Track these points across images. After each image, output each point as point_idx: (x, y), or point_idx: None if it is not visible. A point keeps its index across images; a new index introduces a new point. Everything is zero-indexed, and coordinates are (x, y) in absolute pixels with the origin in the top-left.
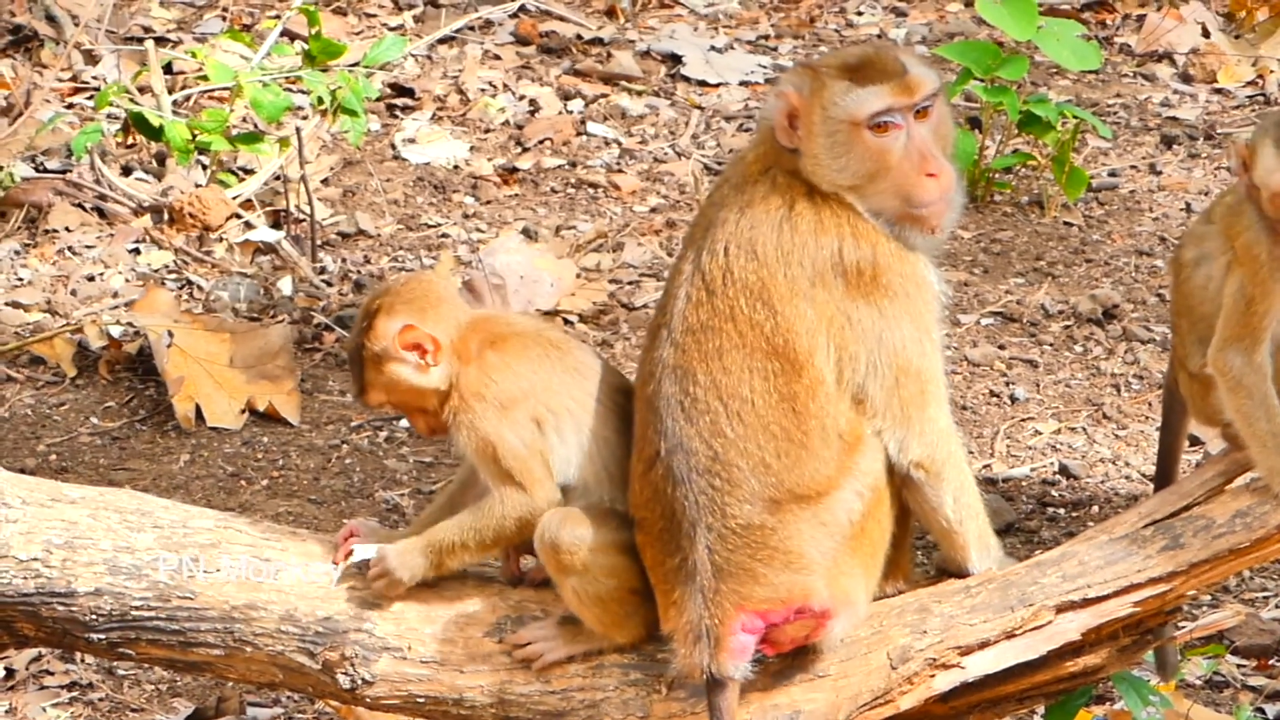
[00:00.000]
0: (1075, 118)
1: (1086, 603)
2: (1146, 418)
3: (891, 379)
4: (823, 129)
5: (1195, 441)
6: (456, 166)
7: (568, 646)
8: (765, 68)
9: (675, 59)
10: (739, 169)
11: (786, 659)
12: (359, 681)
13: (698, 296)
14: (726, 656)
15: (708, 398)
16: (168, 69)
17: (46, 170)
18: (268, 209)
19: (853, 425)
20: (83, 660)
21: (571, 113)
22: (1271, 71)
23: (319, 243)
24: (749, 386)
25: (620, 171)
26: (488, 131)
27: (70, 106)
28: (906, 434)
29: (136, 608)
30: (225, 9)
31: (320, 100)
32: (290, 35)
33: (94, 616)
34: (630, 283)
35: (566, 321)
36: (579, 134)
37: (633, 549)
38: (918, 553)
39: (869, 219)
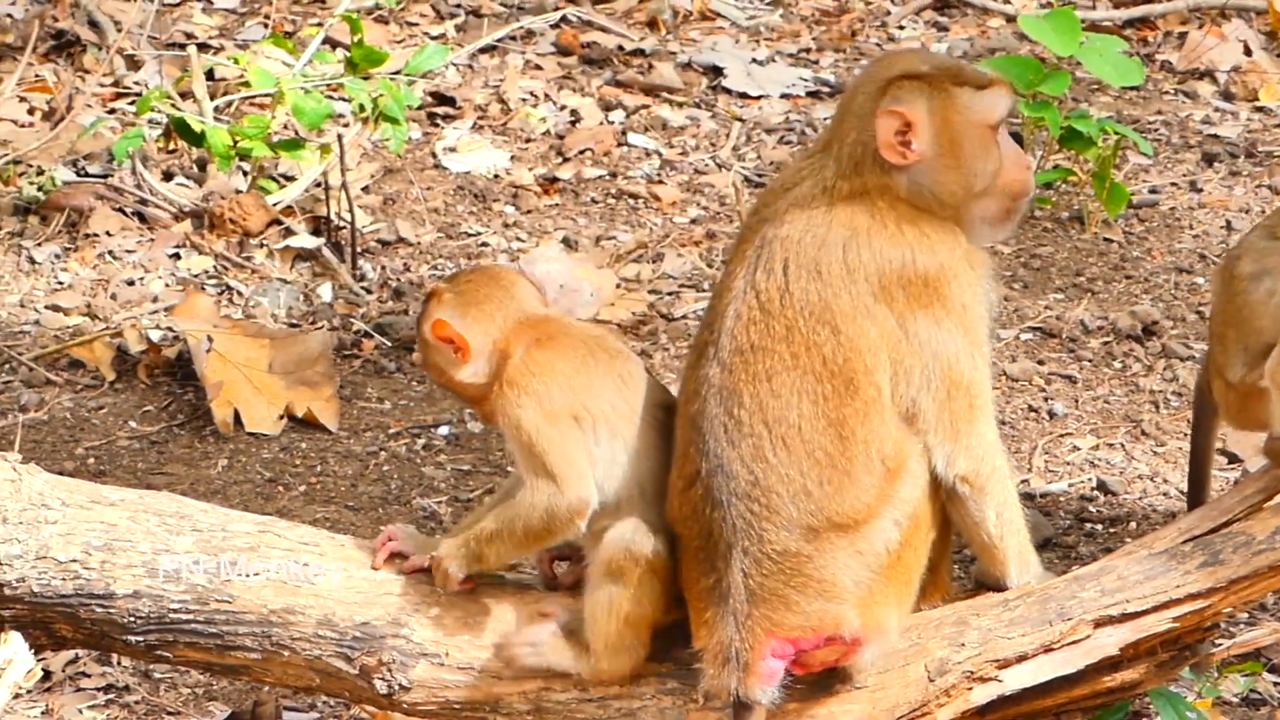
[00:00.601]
0: (1117, 134)
1: (1125, 618)
2: (1185, 434)
3: (944, 392)
4: (963, 135)
5: (1234, 460)
6: (497, 175)
7: (550, 656)
8: (806, 80)
9: (716, 71)
10: (813, 185)
11: (812, 678)
12: (396, 687)
13: (750, 316)
14: (755, 681)
15: (752, 421)
16: (209, 75)
17: (88, 174)
18: (308, 216)
19: (898, 448)
20: (119, 662)
21: (613, 123)
22: None
23: (359, 250)
24: (797, 411)
25: (661, 182)
26: (528, 141)
27: (112, 111)
28: (954, 448)
29: (174, 610)
30: (267, 16)
31: (362, 108)
32: (332, 43)
33: (132, 618)
34: (670, 293)
35: None
36: (620, 144)
37: (670, 578)
38: (955, 566)
39: (953, 226)
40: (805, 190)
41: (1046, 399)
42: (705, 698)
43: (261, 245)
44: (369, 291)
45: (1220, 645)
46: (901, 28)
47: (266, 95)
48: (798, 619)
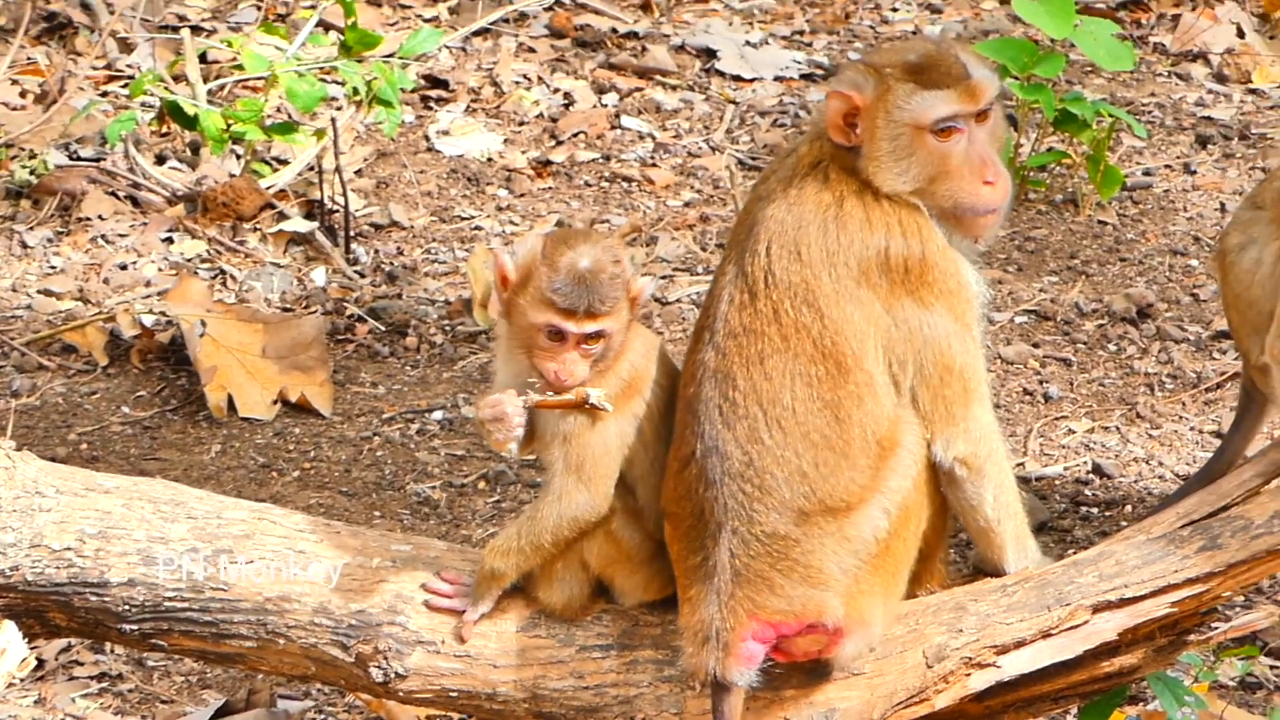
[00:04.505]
0: (1111, 116)
1: (1123, 603)
2: (1180, 417)
3: (936, 377)
4: (886, 132)
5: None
6: (490, 159)
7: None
8: (800, 63)
9: (710, 53)
10: (788, 163)
11: (810, 664)
12: (392, 675)
13: (740, 299)
14: (733, 662)
15: (747, 403)
16: (202, 58)
17: (80, 158)
18: (301, 199)
19: (892, 432)
20: (112, 651)
21: (606, 106)
22: None
23: (352, 234)
24: (791, 393)
25: (654, 165)
26: (522, 124)
27: (104, 95)
28: (951, 431)
29: (169, 599)
30: None
31: (355, 91)
32: (325, 26)
33: (127, 607)
34: (664, 277)
35: None
36: (613, 127)
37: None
38: (952, 551)
39: (924, 213)
40: (786, 170)
41: (1041, 382)
42: (683, 676)
43: (255, 229)
44: (362, 275)
45: (1217, 629)
46: (895, 10)
47: (260, 79)
48: (781, 602)
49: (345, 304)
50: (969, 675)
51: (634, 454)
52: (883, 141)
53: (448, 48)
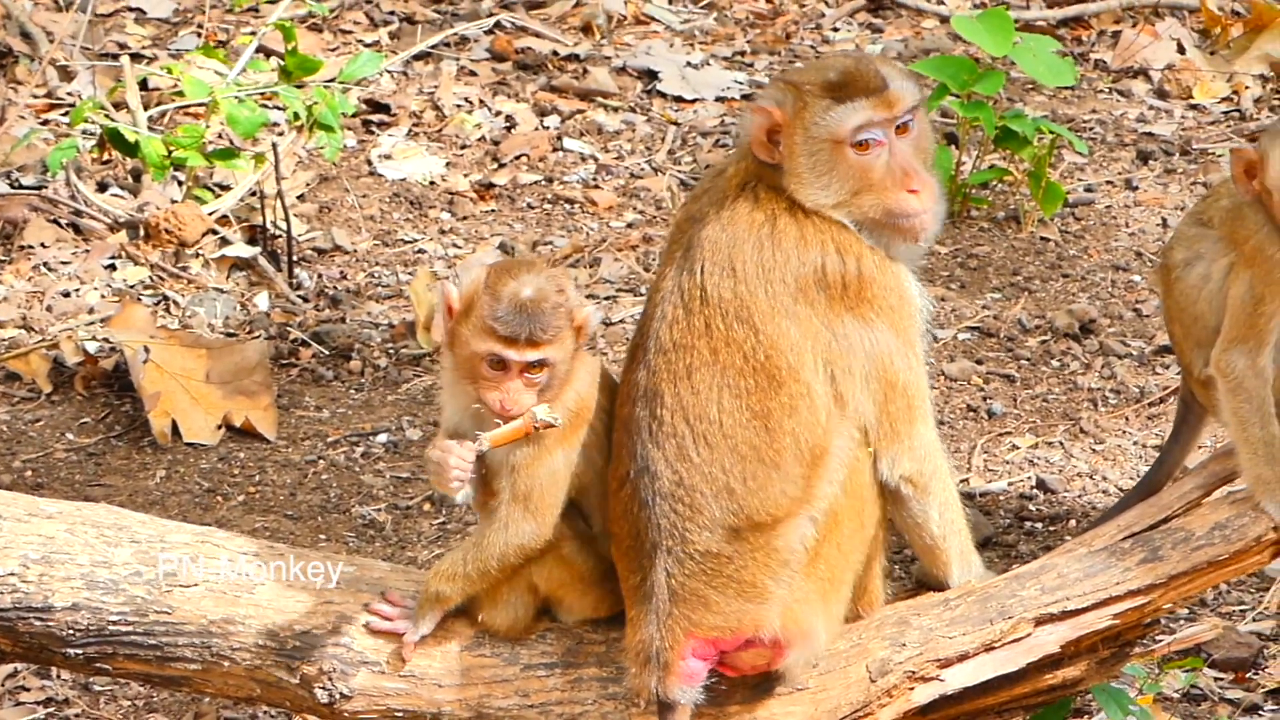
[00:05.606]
0: (1052, 133)
1: (1065, 615)
2: (1123, 432)
3: (881, 394)
4: (805, 148)
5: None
6: (433, 182)
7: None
8: (741, 83)
9: (651, 75)
10: (719, 183)
11: (754, 680)
12: (337, 696)
13: (673, 316)
14: (674, 680)
15: (674, 420)
16: (143, 85)
17: (22, 186)
18: (244, 225)
19: (823, 440)
20: (59, 676)
21: (548, 128)
22: (1246, 88)
23: (295, 258)
24: (717, 406)
25: (597, 187)
26: (464, 147)
27: (45, 123)
28: (896, 449)
29: (114, 622)
30: (200, 25)
31: (296, 116)
32: (266, 51)
33: (71, 632)
34: (607, 298)
35: None
36: (555, 150)
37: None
38: (896, 566)
39: (853, 231)
40: (717, 191)
41: (985, 398)
42: (628, 695)
43: (197, 255)
44: (305, 300)
45: (1161, 641)
46: (836, 30)
47: (200, 105)
48: (717, 619)
49: (289, 328)
50: (912, 689)
51: (586, 482)
52: (802, 157)
53: (389, 72)
